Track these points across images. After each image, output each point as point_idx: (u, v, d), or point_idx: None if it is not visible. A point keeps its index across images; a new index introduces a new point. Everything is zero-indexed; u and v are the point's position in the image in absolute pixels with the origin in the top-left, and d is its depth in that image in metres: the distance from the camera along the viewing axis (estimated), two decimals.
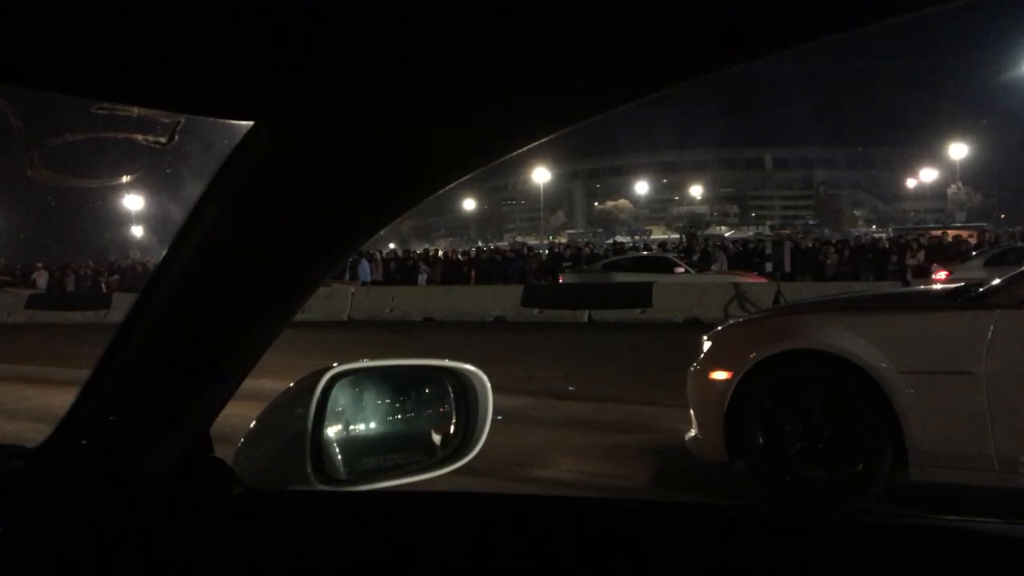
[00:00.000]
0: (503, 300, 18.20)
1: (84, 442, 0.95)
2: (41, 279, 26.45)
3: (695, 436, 4.55)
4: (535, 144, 0.77)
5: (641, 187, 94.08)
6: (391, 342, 13.81)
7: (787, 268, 19.25)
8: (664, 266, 19.34)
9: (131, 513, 0.94)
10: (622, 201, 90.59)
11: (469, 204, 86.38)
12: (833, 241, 25.13)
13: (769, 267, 18.60)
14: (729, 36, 0.61)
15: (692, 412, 4.59)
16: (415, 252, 29.74)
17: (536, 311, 17.31)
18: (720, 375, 4.40)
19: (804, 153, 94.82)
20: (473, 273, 23.13)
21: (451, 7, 0.64)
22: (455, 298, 18.87)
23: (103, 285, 25.70)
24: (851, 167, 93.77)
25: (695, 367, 4.61)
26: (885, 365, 3.98)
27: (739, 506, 0.91)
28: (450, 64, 0.69)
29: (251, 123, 0.82)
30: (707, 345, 4.71)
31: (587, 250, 26.28)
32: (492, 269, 23.10)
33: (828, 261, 20.61)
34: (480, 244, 57.17)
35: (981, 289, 4.18)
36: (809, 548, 0.83)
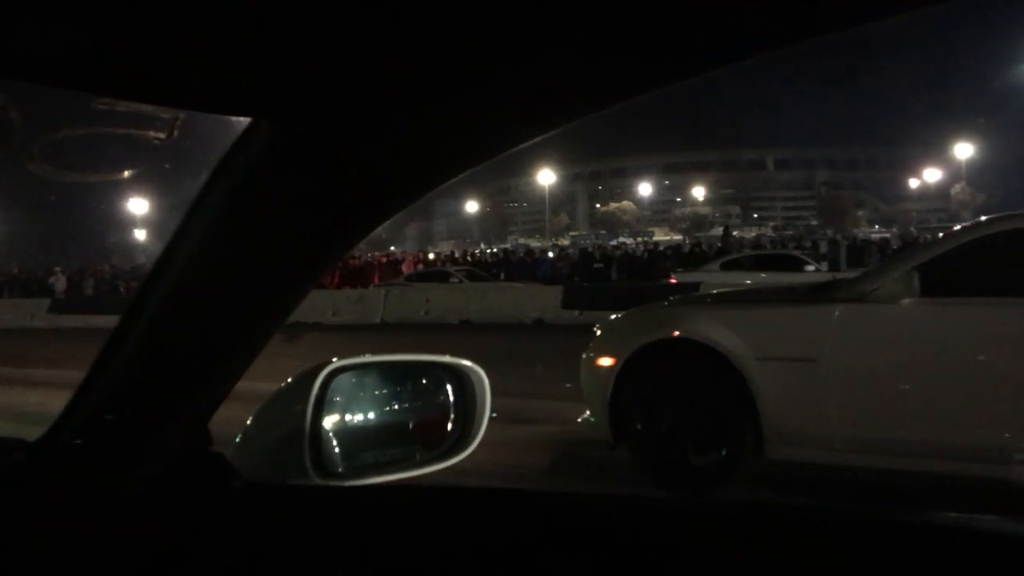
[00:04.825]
0: (542, 302, 17.34)
1: (83, 436, 0.95)
2: (59, 283, 26.02)
3: (587, 418, 4.89)
4: (533, 143, 0.77)
5: (644, 188, 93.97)
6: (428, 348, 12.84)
7: (843, 265, 19.02)
8: (791, 264, 17.42)
9: (130, 507, 0.94)
10: (625, 203, 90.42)
11: (472, 207, 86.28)
12: (876, 240, 25.36)
13: (824, 265, 18.26)
14: (728, 33, 0.61)
15: (585, 396, 4.95)
16: (442, 254, 29.35)
17: (577, 313, 16.22)
18: (605, 361, 4.76)
19: (805, 154, 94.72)
20: (502, 275, 22.20)
21: (450, 4, 0.64)
22: (492, 300, 17.95)
23: (122, 289, 25.46)
24: (853, 168, 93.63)
25: (586, 354, 4.95)
26: (745, 353, 4.34)
27: (734, 501, 0.91)
28: (449, 61, 0.69)
29: (250, 119, 0.82)
30: (598, 333, 5.10)
31: (618, 252, 25.71)
32: (523, 271, 22.51)
33: (871, 258, 20.54)
34: (483, 247, 57.03)
35: (832, 285, 4.62)
36: (807, 547, 0.84)
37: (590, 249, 27.17)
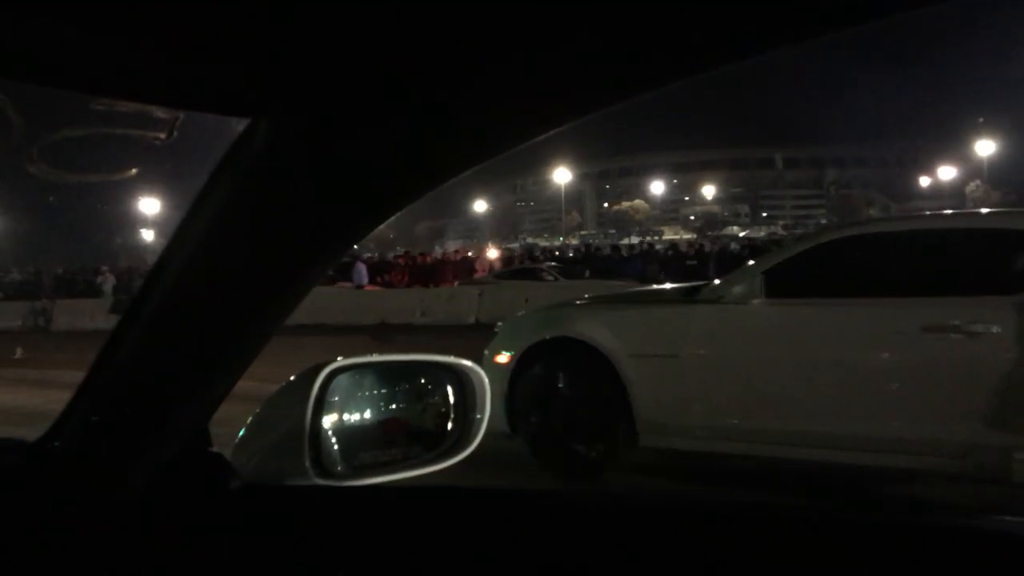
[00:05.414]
0: None
1: (83, 436, 0.96)
2: (108, 283, 24.93)
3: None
4: (535, 142, 0.77)
5: (656, 187, 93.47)
6: None
7: None
8: None
9: (129, 507, 0.95)
10: (637, 202, 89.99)
11: (481, 206, 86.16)
12: None
13: None
14: (727, 32, 0.61)
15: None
16: (517, 250, 28.39)
17: None
18: (502, 358, 5.20)
19: (815, 152, 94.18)
20: (587, 272, 21.08)
21: (450, 3, 0.64)
22: None
23: None
24: (862, 165, 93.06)
25: (487, 351, 5.36)
26: (619, 350, 4.83)
27: (731, 500, 0.91)
28: (449, 60, 0.68)
29: (249, 119, 0.82)
30: (497, 332, 5.60)
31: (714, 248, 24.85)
32: (610, 268, 21.84)
33: None
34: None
35: (700, 287, 5.08)
36: (805, 547, 0.83)
37: (682, 248, 26.76)
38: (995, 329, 3.91)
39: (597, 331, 4.95)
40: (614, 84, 0.68)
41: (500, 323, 5.79)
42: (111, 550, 0.94)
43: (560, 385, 5.10)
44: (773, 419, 4.40)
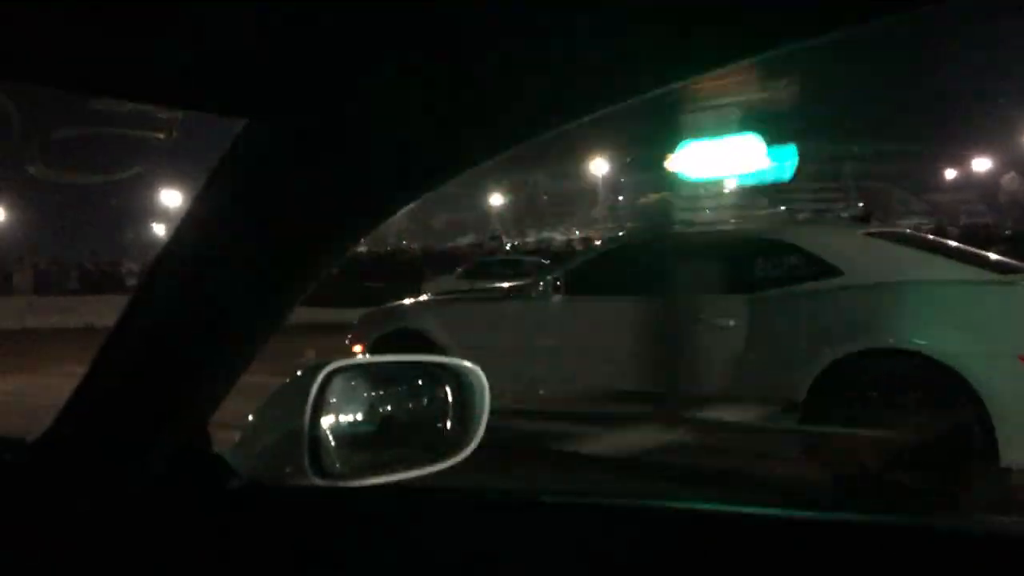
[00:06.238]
0: None
1: (81, 436, 0.96)
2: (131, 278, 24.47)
3: None
4: (530, 141, 0.76)
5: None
6: None
7: None
8: None
9: (129, 507, 0.95)
10: (665, 194, 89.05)
11: (500, 199, 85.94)
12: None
13: None
14: (729, 31, 0.60)
15: None
16: None
17: None
18: (356, 348, 5.97)
19: (830, 146, 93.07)
20: None
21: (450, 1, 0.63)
22: None
23: None
24: (884, 158, 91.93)
25: (346, 340, 6.14)
26: (451, 342, 5.62)
27: (734, 503, 0.90)
28: (449, 58, 0.68)
29: (247, 119, 0.82)
30: (356, 322, 6.45)
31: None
32: None
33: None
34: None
35: (520, 286, 6.07)
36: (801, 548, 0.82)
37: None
38: (730, 323, 4.88)
39: (432, 325, 5.83)
40: (614, 83, 0.68)
41: (358, 316, 6.69)
42: (110, 550, 0.94)
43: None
44: (566, 390, 5.63)
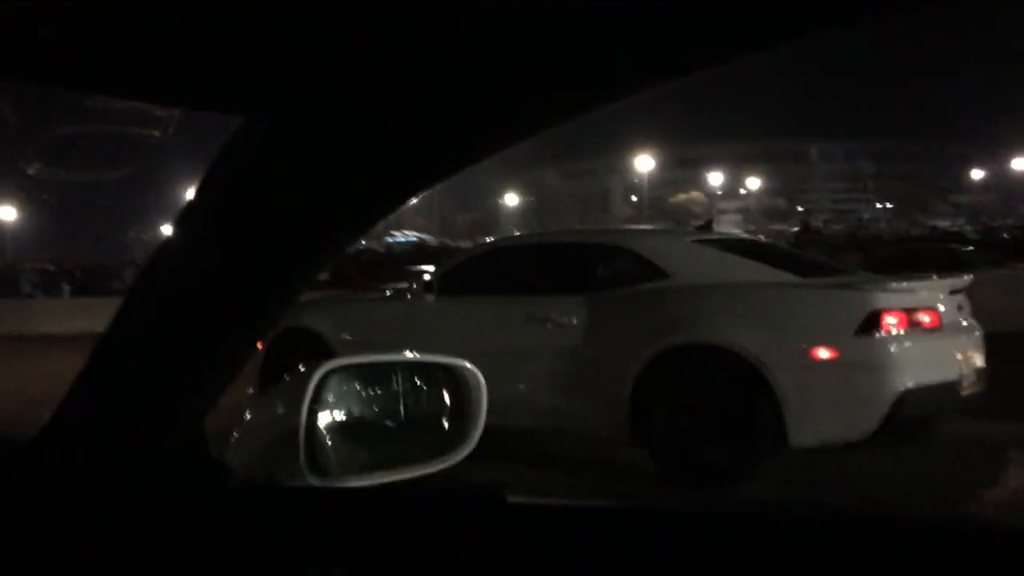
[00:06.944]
0: None
1: (76, 437, 0.96)
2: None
3: None
4: (530, 141, 0.76)
5: (715, 178, 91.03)
6: None
7: None
8: None
9: (124, 508, 0.95)
10: (695, 194, 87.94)
11: (514, 199, 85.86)
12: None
13: None
14: (728, 31, 0.59)
15: None
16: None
17: None
18: (259, 346, 6.15)
19: (850, 146, 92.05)
20: None
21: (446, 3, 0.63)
22: None
23: None
24: (907, 158, 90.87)
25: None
26: (335, 338, 6.08)
27: (733, 503, 0.89)
28: (449, 57, 0.67)
29: (244, 117, 0.82)
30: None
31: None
32: None
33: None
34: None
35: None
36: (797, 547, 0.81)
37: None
38: (573, 320, 5.35)
39: (319, 322, 6.21)
40: (613, 82, 0.67)
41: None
42: (106, 550, 0.94)
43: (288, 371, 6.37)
44: None
